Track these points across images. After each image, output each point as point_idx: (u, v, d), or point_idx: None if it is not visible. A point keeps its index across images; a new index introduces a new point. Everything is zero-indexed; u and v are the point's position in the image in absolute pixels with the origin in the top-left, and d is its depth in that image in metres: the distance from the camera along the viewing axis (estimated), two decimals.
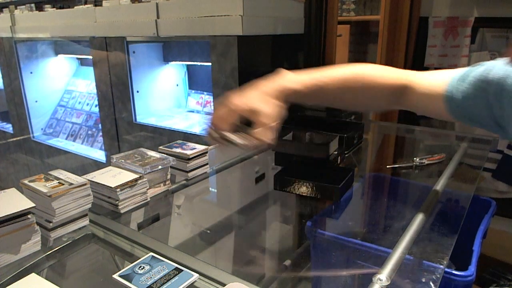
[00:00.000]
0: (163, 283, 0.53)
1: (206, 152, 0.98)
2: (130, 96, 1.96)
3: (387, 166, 1.19)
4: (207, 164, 0.99)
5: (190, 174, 0.94)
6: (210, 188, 1.04)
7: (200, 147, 0.96)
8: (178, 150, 0.93)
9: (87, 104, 2.72)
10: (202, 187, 0.98)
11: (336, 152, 1.09)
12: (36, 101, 2.71)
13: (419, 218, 0.74)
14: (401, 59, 1.72)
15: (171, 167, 0.88)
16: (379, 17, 1.72)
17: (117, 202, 0.76)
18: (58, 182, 0.69)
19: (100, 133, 2.39)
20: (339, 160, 1.10)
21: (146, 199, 0.82)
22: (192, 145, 0.97)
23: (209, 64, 1.58)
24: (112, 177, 0.79)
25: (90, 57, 2.11)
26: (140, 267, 0.57)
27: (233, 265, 0.95)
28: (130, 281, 0.54)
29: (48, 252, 0.65)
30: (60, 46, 2.67)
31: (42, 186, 0.67)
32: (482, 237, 1.01)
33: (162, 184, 0.87)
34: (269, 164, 1.15)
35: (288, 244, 1.03)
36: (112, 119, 2.09)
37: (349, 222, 0.94)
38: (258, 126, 0.68)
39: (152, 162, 0.84)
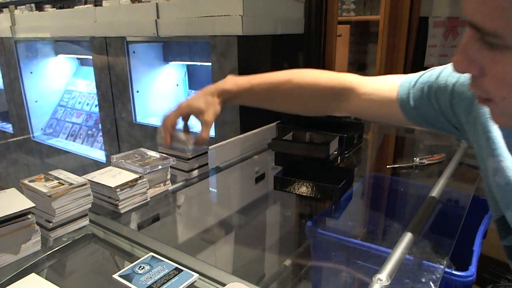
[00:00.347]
0: (163, 283, 0.53)
1: (206, 152, 0.98)
2: (130, 96, 1.96)
3: (387, 166, 1.19)
4: (207, 164, 0.99)
5: (190, 174, 0.94)
6: (210, 188, 1.04)
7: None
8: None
9: (87, 104, 2.72)
10: (202, 187, 0.98)
11: (336, 152, 1.09)
12: (36, 101, 2.72)
13: (419, 218, 0.74)
14: (401, 59, 1.72)
15: (171, 167, 0.88)
16: (379, 17, 1.72)
17: (117, 202, 0.76)
18: (58, 182, 0.69)
19: (100, 133, 2.39)
20: (339, 160, 1.10)
21: (146, 199, 0.82)
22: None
23: (209, 64, 1.58)
24: (112, 177, 0.79)
25: (90, 57, 2.11)
26: (140, 267, 0.57)
27: (233, 265, 0.95)
28: (130, 281, 0.54)
29: (48, 252, 0.65)
30: (60, 46, 2.67)
31: (42, 186, 0.67)
32: (482, 237, 1.01)
33: (162, 184, 0.87)
34: (269, 164, 1.15)
35: (288, 244, 1.03)
36: (112, 119, 2.09)
37: (349, 222, 0.94)
38: (201, 123, 0.83)
39: (152, 162, 0.84)
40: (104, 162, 2.27)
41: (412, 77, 0.72)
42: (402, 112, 0.72)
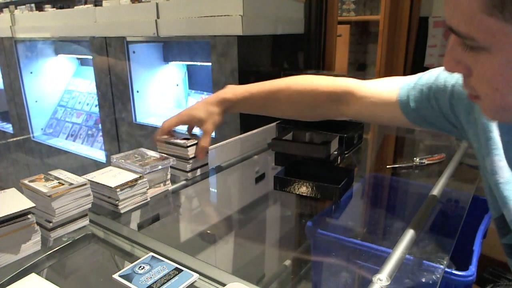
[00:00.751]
0: (163, 283, 0.53)
1: (207, 152, 0.98)
2: (130, 96, 1.96)
3: (387, 166, 1.19)
4: (207, 164, 0.99)
5: (190, 174, 0.94)
6: (210, 188, 1.04)
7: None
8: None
9: (87, 104, 2.72)
10: (202, 187, 0.98)
11: (336, 152, 1.09)
12: (36, 101, 2.72)
13: (419, 218, 0.74)
14: (401, 59, 1.72)
15: (171, 167, 0.88)
16: (379, 17, 1.72)
17: (117, 202, 0.76)
18: (58, 182, 0.69)
19: (100, 133, 2.39)
20: (339, 160, 1.10)
21: (146, 199, 0.82)
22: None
23: (209, 64, 1.58)
24: (112, 177, 0.79)
25: (90, 57, 2.11)
26: (140, 267, 0.57)
27: (233, 265, 0.95)
28: (130, 281, 0.54)
29: (48, 252, 0.65)
30: (60, 46, 2.67)
31: (42, 186, 0.67)
32: (482, 237, 1.01)
33: (162, 184, 0.87)
34: (269, 164, 1.15)
35: (288, 244, 1.02)
36: (112, 119, 2.09)
37: (349, 222, 0.94)
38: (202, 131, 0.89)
39: (152, 162, 0.84)
40: (104, 162, 2.27)
41: (411, 79, 0.72)
42: (403, 114, 0.72)
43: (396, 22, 1.69)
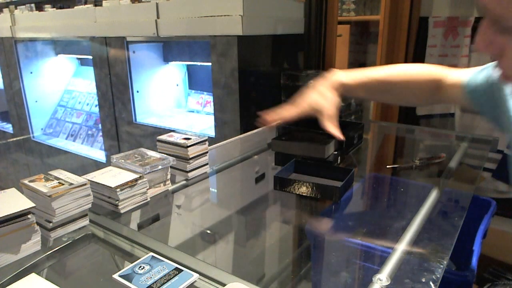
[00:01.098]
0: (163, 283, 0.53)
1: (206, 152, 0.98)
2: (130, 96, 1.96)
3: (387, 166, 1.19)
4: (207, 164, 0.99)
5: (190, 174, 0.94)
6: (210, 188, 1.04)
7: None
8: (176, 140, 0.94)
9: (87, 104, 2.72)
10: (202, 187, 0.98)
11: (335, 152, 1.09)
12: (36, 101, 2.72)
13: (419, 218, 0.74)
14: (401, 59, 1.72)
15: (171, 167, 0.88)
16: (379, 17, 1.72)
17: (117, 202, 0.76)
18: (58, 182, 0.69)
19: (100, 133, 2.39)
20: (339, 160, 1.10)
21: (146, 199, 0.82)
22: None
23: (209, 64, 1.58)
24: (112, 177, 0.79)
25: (90, 57, 2.11)
26: (140, 267, 0.57)
27: (233, 265, 0.95)
28: (130, 281, 0.54)
29: (48, 252, 0.65)
30: (60, 46, 2.67)
31: (42, 186, 0.67)
32: (482, 237, 1.01)
33: (162, 184, 0.87)
34: (269, 164, 1.15)
35: (288, 244, 1.02)
36: (112, 119, 2.09)
37: (349, 222, 0.94)
38: (321, 120, 0.88)
39: (152, 162, 0.84)
40: (104, 162, 2.27)
41: (478, 70, 0.79)
42: (471, 102, 0.80)
43: (396, 22, 1.69)
